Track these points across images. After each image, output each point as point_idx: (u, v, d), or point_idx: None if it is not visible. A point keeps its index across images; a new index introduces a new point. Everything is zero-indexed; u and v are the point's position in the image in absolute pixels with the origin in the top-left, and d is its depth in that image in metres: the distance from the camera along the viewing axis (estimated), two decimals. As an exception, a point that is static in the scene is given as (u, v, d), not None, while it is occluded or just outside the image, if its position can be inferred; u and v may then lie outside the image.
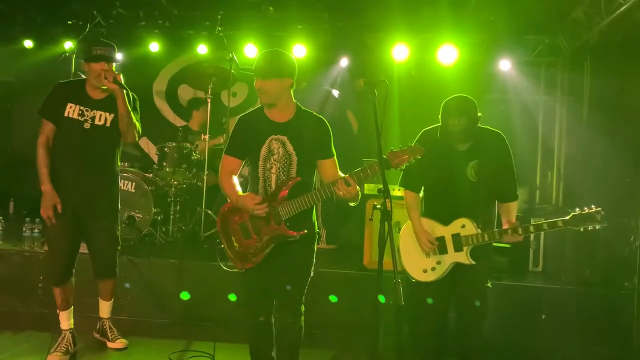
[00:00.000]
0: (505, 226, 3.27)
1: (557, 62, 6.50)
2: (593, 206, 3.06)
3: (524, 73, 6.57)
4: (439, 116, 3.22)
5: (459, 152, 3.26)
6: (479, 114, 3.19)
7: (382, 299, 4.31)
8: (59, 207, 3.55)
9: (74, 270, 3.75)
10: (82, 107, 3.63)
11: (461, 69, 6.27)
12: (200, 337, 4.16)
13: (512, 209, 3.33)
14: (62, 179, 3.61)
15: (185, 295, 4.44)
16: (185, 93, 7.35)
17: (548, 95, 6.70)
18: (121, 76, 3.59)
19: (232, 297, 4.40)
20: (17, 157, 7.25)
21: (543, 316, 4.32)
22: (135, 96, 3.83)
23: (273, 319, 3.17)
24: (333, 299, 4.40)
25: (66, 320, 3.77)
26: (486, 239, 3.20)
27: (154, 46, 6.73)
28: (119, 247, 3.89)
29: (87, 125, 3.63)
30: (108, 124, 3.66)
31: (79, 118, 3.62)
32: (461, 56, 6.19)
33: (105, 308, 3.98)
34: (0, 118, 7.57)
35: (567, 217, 3.10)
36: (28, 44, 6.84)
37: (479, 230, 3.21)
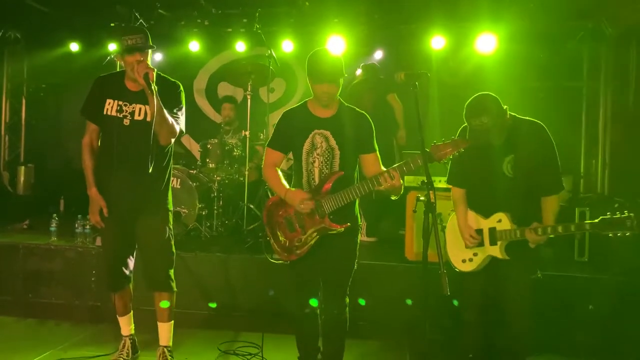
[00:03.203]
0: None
1: (601, 47, 6.33)
2: (626, 211, 2.89)
3: (566, 59, 6.43)
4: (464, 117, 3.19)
5: (494, 148, 3.19)
6: (504, 106, 3.12)
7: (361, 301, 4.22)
8: (104, 210, 3.34)
9: (130, 276, 3.56)
10: (120, 102, 3.35)
11: (501, 57, 6.19)
12: (248, 328, 4.26)
13: (551, 205, 3.19)
14: (106, 181, 3.39)
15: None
16: (224, 90, 7.48)
17: (591, 80, 6.54)
18: (154, 73, 3.19)
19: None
20: (65, 157, 7.55)
21: (590, 307, 4.25)
22: (180, 86, 3.48)
23: (319, 311, 3.24)
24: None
25: (126, 325, 3.64)
26: (518, 235, 3.15)
27: (194, 45, 6.87)
28: (173, 256, 3.51)
29: (126, 122, 3.33)
30: (149, 118, 3.30)
31: (118, 115, 3.34)
32: (500, 44, 6.10)
33: (163, 332, 3.55)
34: (50, 119, 7.87)
35: (595, 221, 2.96)
36: (74, 47, 7.08)
37: (514, 226, 3.18)
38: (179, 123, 3.38)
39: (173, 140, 3.40)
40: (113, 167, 3.37)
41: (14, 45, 7.42)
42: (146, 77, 3.14)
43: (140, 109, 3.35)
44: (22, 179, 7.46)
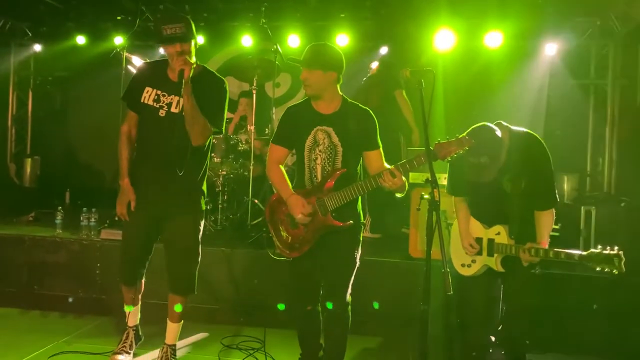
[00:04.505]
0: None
1: (609, 45, 6.29)
2: (616, 247, 2.87)
3: (574, 57, 6.38)
4: None
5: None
6: (505, 150, 3.08)
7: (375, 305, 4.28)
8: (132, 204, 3.22)
9: (144, 272, 3.46)
10: (158, 92, 3.19)
11: (507, 54, 6.15)
12: (251, 323, 4.27)
13: (545, 221, 3.15)
14: (139, 174, 3.27)
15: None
16: (230, 85, 7.45)
17: (599, 79, 6.50)
18: (190, 71, 3.05)
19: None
20: (71, 150, 7.59)
21: (594, 306, 4.23)
22: (224, 83, 3.32)
23: (320, 308, 3.23)
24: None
25: (132, 316, 3.59)
26: (513, 252, 3.14)
27: (200, 39, 6.80)
28: (199, 259, 3.39)
29: (162, 113, 3.17)
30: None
31: (154, 105, 3.18)
32: (507, 41, 6.06)
33: (170, 332, 3.46)
34: (56, 112, 7.90)
35: (585, 253, 2.94)
36: (80, 40, 7.10)
37: (511, 241, 3.17)
38: (216, 122, 3.22)
39: (204, 141, 3.22)
40: (146, 160, 3.27)
41: (21, 37, 7.46)
42: (181, 74, 3.02)
43: (178, 101, 3.18)
44: (28, 171, 7.49)
